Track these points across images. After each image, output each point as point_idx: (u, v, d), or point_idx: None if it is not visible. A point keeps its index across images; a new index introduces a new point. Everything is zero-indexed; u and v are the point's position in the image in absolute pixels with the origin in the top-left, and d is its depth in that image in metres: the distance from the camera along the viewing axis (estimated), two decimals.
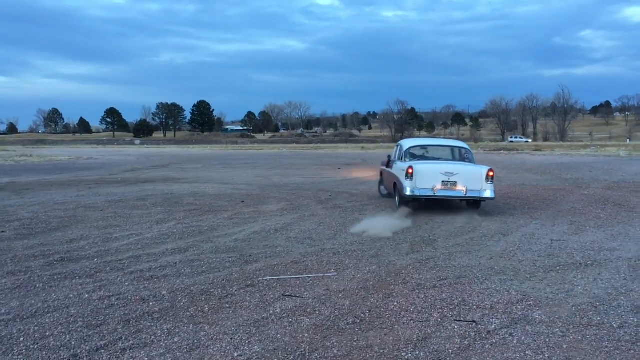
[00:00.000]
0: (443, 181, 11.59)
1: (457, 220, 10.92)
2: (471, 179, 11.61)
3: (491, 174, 11.63)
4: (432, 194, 11.59)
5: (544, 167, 26.43)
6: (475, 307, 5.61)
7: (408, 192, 11.63)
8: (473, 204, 12.20)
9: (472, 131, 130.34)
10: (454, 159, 13.32)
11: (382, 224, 10.07)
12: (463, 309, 5.54)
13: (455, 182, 11.57)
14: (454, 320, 5.21)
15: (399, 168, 12.72)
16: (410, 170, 11.68)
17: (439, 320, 5.22)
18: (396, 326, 5.07)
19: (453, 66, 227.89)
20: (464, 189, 11.52)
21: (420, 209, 12.16)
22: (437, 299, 5.86)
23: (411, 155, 13.17)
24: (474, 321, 5.16)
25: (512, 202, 13.87)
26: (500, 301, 5.77)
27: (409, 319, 5.27)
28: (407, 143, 13.96)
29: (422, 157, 13.28)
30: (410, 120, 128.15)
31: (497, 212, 11.83)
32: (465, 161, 12.95)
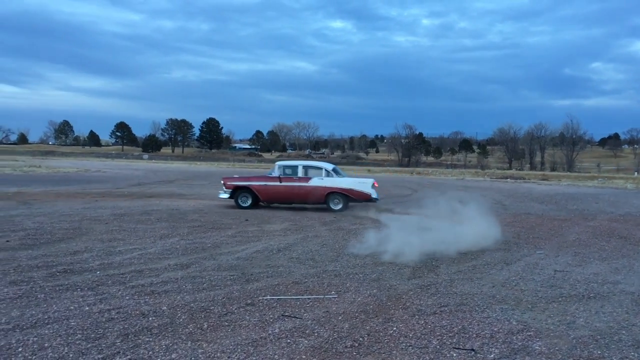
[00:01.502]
0: None
1: (461, 247, 10.88)
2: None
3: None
4: None
5: (550, 197, 26.35)
6: (475, 335, 5.59)
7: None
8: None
9: (479, 158, 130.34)
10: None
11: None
12: (462, 337, 5.51)
13: None
14: (453, 347, 5.19)
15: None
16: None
17: (438, 347, 5.20)
18: (394, 351, 5.05)
19: (462, 93, 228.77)
20: None
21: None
22: (436, 326, 5.84)
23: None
24: (473, 349, 5.14)
25: (517, 230, 13.83)
26: (501, 330, 5.74)
27: (408, 344, 5.25)
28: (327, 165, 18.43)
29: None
30: (417, 145, 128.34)
31: (501, 240, 11.79)
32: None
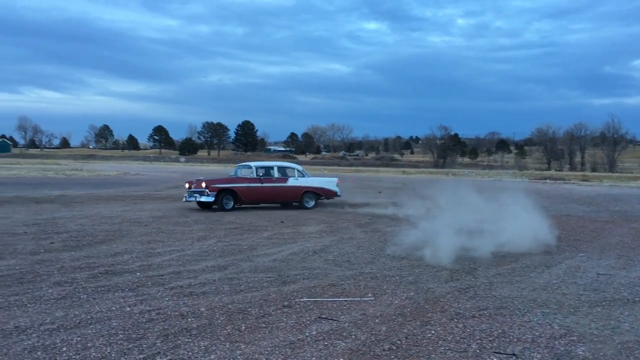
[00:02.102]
0: None
1: (500, 250, 10.70)
2: None
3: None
4: None
5: (591, 198, 25.70)
6: (515, 339, 5.48)
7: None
8: None
9: (516, 159, 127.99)
10: None
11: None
12: (503, 341, 5.41)
13: None
14: (493, 352, 5.10)
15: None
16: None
17: (478, 351, 5.12)
18: (433, 355, 5.00)
19: (498, 92, 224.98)
20: None
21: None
22: (476, 329, 5.75)
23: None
24: (514, 354, 5.04)
25: (557, 233, 13.51)
26: (542, 335, 5.62)
27: (447, 348, 5.18)
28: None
29: None
30: (453, 146, 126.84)
31: (540, 242, 11.55)
32: None
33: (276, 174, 18.35)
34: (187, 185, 18.16)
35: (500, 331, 5.71)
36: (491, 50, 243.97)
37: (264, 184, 17.80)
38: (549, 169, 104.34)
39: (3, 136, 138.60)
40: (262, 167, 18.30)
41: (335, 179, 19.80)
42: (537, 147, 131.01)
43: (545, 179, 55.23)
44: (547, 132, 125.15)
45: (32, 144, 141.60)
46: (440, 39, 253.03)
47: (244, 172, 18.48)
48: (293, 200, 18.53)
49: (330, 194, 19.01)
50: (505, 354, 5.06)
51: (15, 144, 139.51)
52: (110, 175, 42.28)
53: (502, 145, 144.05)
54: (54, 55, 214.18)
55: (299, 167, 19.51)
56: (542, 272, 8.70)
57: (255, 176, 17.88)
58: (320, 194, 18.85)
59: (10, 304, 6.27)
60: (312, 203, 18.55)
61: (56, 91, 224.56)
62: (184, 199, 17.84)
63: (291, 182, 18.44)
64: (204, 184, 17.27)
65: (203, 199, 17.03)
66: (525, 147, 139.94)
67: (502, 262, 9.52)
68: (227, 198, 17.43)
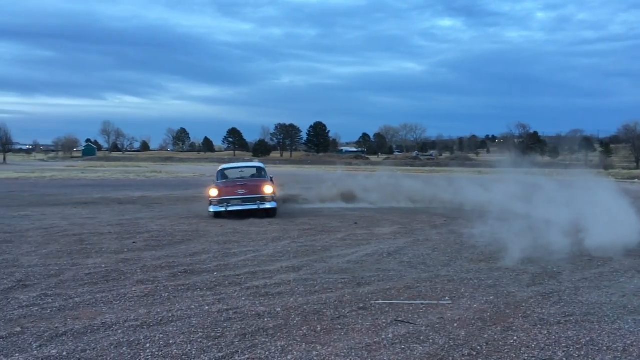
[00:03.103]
0: None
1: (585, 253, 10.19)
2: None
3: None
4: None
5: None
6: (605, 348, 5.17)
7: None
8: None
9: (601, 157, 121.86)
10: None
11: None
12: (591, 349, 5.12)
13: None
14: None
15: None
16: None
17: (564, 359, 4.87)
18: None
19: (581, 88, 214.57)
20: None
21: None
22: (561, 337, 5.47)
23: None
24: None
25: None
26: (635, 343, 5.27)
27: (530, 355, 4.96)
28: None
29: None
30: (532, 145, 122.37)
31: (630, 246, 10.89)
32: None
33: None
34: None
35: (588, 339, 5.41)
36: (573, 44, 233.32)
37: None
38: (637, 167, 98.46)
39: (88, 140, 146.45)
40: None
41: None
42: (624, 145, 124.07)
43: (634, 178, 52.26)
44: (635, 128, 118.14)
45: (115, 148, 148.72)
46: (519, 34, 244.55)
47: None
48: None
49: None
50: None
51: (100, 148, 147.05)
52: (188, 177, 43.72)
53: (586, 143, 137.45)
54: (135, 61, 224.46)
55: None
56: (632, 277, 8.18)
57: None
58: None
59: (97, 301, 6.57)
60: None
61: (137, 96, 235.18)
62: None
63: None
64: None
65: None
66: (611, 145, 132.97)
67: (589, 266, 9.05)
68: None
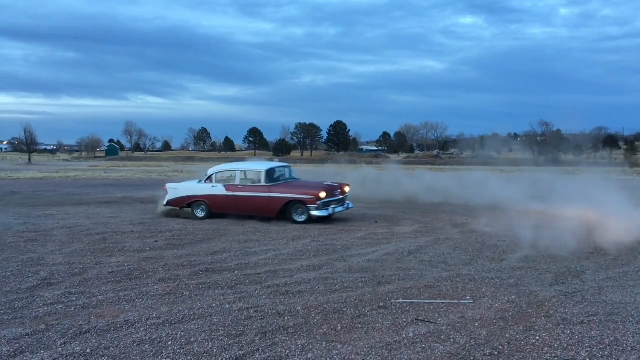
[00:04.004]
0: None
1: (610, 252, 10.04)
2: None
3: (165, 188, 15.57)
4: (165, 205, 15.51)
5: None
6: (629, 348, 5.10)
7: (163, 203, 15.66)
8: None
9: (626, 155, 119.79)
10: None
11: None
12: (615, 350, 5.05)
13: None
14: None
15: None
16: (165, 188, 15.70)
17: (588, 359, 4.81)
18: None
19: (606, 85, 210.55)
20: None
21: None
22: (585, 337, 5.40)
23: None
24: None
25: None
26: None
27: (553, 355, 4.90)
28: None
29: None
30: (555, 143, 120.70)
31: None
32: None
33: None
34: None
35: (612, 339, 5.34)
36: (598, 40, 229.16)
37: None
38: None
39: (111, 140, 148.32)
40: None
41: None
42: None
43: None
44: None
45: (137, 148, 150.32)
46: (542, 30, 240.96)
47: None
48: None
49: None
50: None
51: (122, 148, 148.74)
52: None
53: (610, 141, 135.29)
54: (157, 62, 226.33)
55: None
56: None
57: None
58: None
59: (120, 299, 6.65)
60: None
61: (159, 97, 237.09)
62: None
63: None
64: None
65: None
66: (637, 143, 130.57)
67: (613, 265, 8.91)
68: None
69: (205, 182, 14.91)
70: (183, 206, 15.09)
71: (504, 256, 9.50)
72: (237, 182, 14.56)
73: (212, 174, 14.99)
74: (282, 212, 13.96)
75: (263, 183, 14.21)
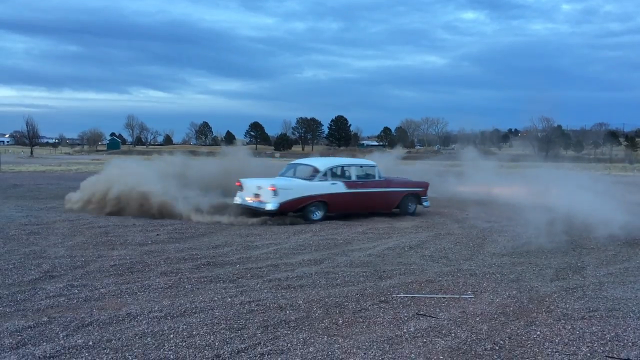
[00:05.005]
0: (254, 193, 13.15)
1: (609, 248, 10.06)
2: (265, 192, 12.90)
3: (272, 188, 12.66)
4: (245, 203, 13.37)
5: None
6: (630, 343, 5.11)
7: (235, 201, 13.67)
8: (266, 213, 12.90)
9: (626, 151, 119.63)
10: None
11: None
12: (616, 345, 5.07)
13: (259, 194, 13.03)
14: (606, 356, 4.79)
15: None
16: (238, 184, 13.70)
17: (589, 355, 4.83)
18: (539, 357, 4.77)
19: (607, 81, 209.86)
20: (259, 200, 12.97)
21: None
22: (585, 332, 5.42)
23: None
24: (629, 359, 4.70)
25: None
26: None
27: (554, 350, 4.92)
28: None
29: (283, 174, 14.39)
30: (555, 138, 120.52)
31: None
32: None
33: None
34: None
35: (613, 334, 5.35)
36: (600, 36, 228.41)
37: None
38: None
39: (113, 134, 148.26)
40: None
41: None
42: None
43: None
44: None
45: (139, 141, 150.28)
46: (543, 26, 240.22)
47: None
48: None
49: None
50: (619, 358, 4.74)
51: (124, 141, 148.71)
52: None
53: (611, 136, 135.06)
54: (159, 56, 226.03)
55: None
56: None
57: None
58: None
59: (122, 292, 6.67)
60: None
61: (161, 90, 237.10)
62: None
63: None
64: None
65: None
66: (637, 139, 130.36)
67: (613, 261, 8.93)
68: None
69: (320, 179, 13.33)
70: (297, 209, 13.15)
71: (505, 251, 9.52)
72: (354, 178, 13.83)
73: (327, 170, 13.52)
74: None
75: (377, 178, 14.14)
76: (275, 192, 12.59)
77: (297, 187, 13.11)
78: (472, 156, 26.56)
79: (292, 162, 15.43)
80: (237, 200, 13.60)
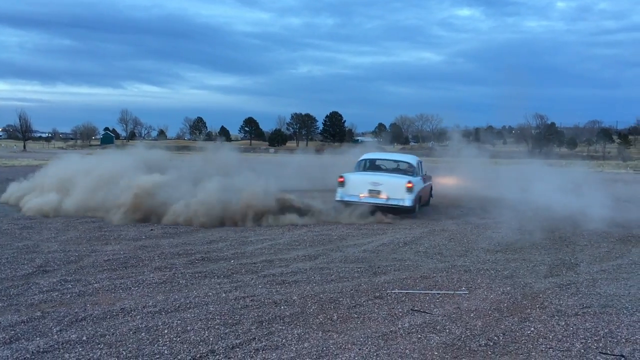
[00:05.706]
0: (369, 190, 12.79)
1: (602, 244, 10.10)
2: (394, 189, 12.76)
3: (410, 185, 12.72)
4: (357, 200, 12.86)
5: None
6: (624, 340, 5.14)
7: (337, 197, 13.16)
8: (394, 210, 12.95)
9: (619, 149, 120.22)
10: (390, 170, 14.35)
11: None
12: (610, 341, 5.09)
13: (379, 191, 12.71)
14: (600, 352, 4.81)
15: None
16: (341, 179, 13.19)
17: (582, 351, 4.85)
18: (533, 353, 4.78)
19: (601, 79, 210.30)
20: (386, 197, 12.68)
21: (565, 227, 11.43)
22: (579, 328, 5.44)
23: (359, 166, 14.43)
24: (622, 356, 4.73)
25: None
26: None
27: (548, 346, 4.94)
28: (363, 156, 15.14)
29: (369, 169, 14.39)
30: (549, 136, 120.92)
31: None
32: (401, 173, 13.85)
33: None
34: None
35: (606, 330, 5.38)
36: (594, 34, 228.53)
37: None
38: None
39: (106, 129, 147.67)
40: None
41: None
42: None
43: None
44: None
45: (133, 136, 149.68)
46: (538, 23, 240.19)
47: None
48: None
49: None
50: (613, 355, 4.76)
51: (118, 136, 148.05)
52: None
53: (604, 134, 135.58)
54: (154, 51, 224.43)
55: None
56: None
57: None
58: None
59: (116, 287, 6.64)
60: None
61: (155, 85, 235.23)
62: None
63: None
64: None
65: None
66: (630, 137, 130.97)
67: (606, 257, 8.97)
68: None
69: (416, 175, 13.70)
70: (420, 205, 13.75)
71: (499, 247, 9.55)
72: (423, 172, 14.85)
73: (418, 165, 14.16)
74: None
75: (423, 173, 14.85)
76: (411, 189, 12.76)
77: (417, 183, 13.43)
78: (452, 152, 27.13)
79: (366, 157, 15.01)
80: (340, 197, 13.15)
